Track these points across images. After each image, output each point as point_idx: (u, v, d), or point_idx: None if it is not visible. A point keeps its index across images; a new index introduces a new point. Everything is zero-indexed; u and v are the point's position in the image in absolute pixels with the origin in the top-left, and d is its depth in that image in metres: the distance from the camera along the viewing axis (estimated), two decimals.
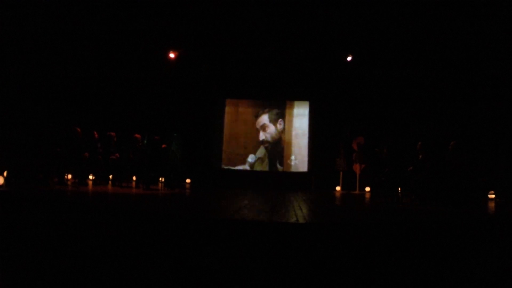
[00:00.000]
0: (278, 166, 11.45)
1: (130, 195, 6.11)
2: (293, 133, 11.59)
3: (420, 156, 7.11)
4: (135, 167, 8.10)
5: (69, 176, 7.99)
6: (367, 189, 9.93)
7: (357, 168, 9.91)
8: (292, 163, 11.48)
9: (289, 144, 11.56)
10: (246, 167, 11.46)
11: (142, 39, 9.68)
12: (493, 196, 7.81)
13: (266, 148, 11.49)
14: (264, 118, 11.65)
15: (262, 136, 11.56)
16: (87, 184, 7.54)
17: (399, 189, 7.10)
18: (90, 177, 8.16)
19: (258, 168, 11.45)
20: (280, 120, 11.62)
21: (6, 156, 6.75)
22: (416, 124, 9.96)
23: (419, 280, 2.81)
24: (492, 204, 6.86)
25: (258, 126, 11.63)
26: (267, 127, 11.56)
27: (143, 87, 10.62)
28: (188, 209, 4.61)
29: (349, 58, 10.21)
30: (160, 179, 9.02)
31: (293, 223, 3.72)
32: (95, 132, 7.94)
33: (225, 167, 11.49)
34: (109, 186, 7.68)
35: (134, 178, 9.04)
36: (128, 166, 8.02)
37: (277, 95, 11.57)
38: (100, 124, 8.81)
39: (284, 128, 11.62)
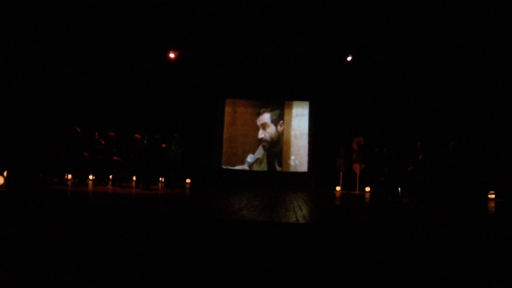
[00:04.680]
0: (277, 166, 11.45)
1: (130, 195, 6.11)
2: (293, 133, 11.59)
3: (420, 156, 7.11)
4: (135, 167, 8.10)
5: (69, 176, 7.99)
6: (367, 189, 9.93)
7: (357, 168, 9.91)
8: (292, 163, 11.48)
9: (289, 144, 11.56)
10: (245, 167, 11.46)
11: (142, 39, 9.68)
12: (493, 196, 7.82)
13: (264, 147, 11.49)
14: (266, 117, 11.65)
15: (261, 134, 11.56)
16: (87, 184, 7.53)
17: (399, 189, 7.10)
18: (90, 177, 8.16)
19: (257, 168, 11.46)
20: (281, 121, 11.62)
21: (6, 156, 6.75)
22: (416, 124, 9.96)
23: (419, 280, 2.81)
24: (492, 204, 6.86)
25: (258, 124, 11.64)
26: (268, 126, 11.56)
27: (143, 87, 10.62)
28: (188, 209, 4.61)
29: (349, 58, 10.21)
30: (160, 179, 9.03)
31: (293, 223, 3.72)
32: (95, 132, 7.94)
33: (225, 167, 11.50)
34: (109, 186, 7.67)
35: (134, 178, 9.05)
36: (128, 166, 8.02)
37: (277, 95, 11.58)
38: (100, 124, 8.81)
39: (284, 130, 11.63)
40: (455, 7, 8.39)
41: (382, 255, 3.32)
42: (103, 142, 7.84)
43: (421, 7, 8.54)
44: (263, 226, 3.69)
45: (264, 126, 11.57)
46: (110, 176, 8.21)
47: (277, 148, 11.55)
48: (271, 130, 11.58)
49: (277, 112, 11.66)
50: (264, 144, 11.52)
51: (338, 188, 10.20)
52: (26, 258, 2.83)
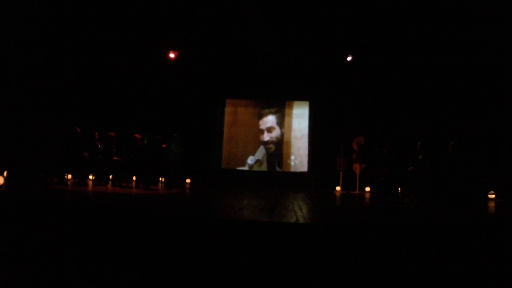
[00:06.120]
0: (277, 167, 11.44)
1: (130, 195, 6.11)
2: (293, 133, 11.58)
3: (420, 156, 7.11)
4: (135, 167, 8.10)
5: (69, 176, 7.99)
6: (367, 189, 9.92)
7: (357, 168, 9.91)
8: (292, 163, 11.48)
9: (289, 144, 11.55)
10: (246, 168, 11.46)
11: (142, 39, 9.68)
12: (493, 196, 7.81)
13: (268, 149, 11.47)
14: (271, 120, 11.61)
15: (266, 137, 11.51)
16: (87, 184, 7.53)
17: (399, 189, 7.10)
18: (90, 177, 8.16)
19: (257, 168, 11.45)
20: (284, 123, 11.61)
21: (6, 156, 6.75)
22: (416, 124, 9.96)
23: (419, 280, 2.81)
24: (492, 204, 6.86)
25: (263, 127, 11.59)
26: (274, 129, 11.53)
27: (143, 87, 10.62)
28: (188, 209, 4.61)
29: (349, 58, 10.21)
30: (160, 179, 9.03)
31: (293, 223, 3.72)
32: (96, 132, 7.94)
33: (225, 167, 11.49)
34: (109, 186, 7.67)
35: (134, 178, 9.05)
36: (128, 166, 8.02)
37: (277, 95, 11.57)
38: (100, 124, 8.80)
39: (285, 130, 11.63)
40: (455, 7, 8.39)
41: (382, 255, 3.32)
42: (103, 142, 7.84)
43: (421, 7, 8.54)
44: (263, 226, 3.69)
45: (270, 129, 11.53)
46: (110, 176, 8.21)
47: (277, 148, 11.55)
48: (277, 132, 11.55)
49: (280, 114, 11.65)
50: (269, 146, 11.49)
51: (338, 188, 10.20)
52: (26, 258, 2.83)
